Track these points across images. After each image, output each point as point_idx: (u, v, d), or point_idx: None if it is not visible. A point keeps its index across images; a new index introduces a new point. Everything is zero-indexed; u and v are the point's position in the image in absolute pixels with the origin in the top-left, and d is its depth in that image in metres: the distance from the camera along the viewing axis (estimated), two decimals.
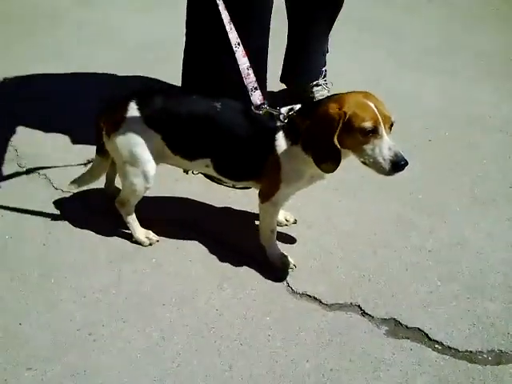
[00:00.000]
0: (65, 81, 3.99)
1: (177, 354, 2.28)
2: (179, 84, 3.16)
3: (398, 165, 2.00)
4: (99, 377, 2.18)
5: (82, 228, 2.78)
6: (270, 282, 2.57)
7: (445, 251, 2.74)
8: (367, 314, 2.44)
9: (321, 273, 2.60)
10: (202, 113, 2.30)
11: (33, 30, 4.72)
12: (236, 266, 2.63)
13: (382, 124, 2.01)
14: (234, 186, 2.87)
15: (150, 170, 2.43)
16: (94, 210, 2.87)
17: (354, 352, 2.30)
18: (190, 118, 2.30)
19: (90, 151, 2.91)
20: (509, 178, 3.20)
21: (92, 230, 2.77)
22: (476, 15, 5.23)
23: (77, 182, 2.70)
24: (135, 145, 2.38)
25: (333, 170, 2.13)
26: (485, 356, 2.31)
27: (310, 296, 2.52)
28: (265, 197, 2.40)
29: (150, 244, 2.67)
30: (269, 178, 2.33)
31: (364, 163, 2.10)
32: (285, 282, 2.57)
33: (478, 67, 4.35)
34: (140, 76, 4.06)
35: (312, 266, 2.64)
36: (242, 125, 2.29)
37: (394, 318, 2.43)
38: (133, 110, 2.35)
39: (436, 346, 2.34)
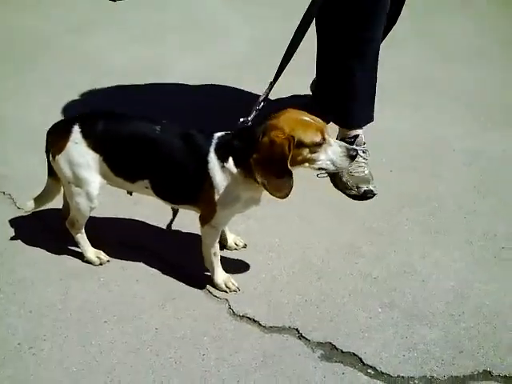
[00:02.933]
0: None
1: (112, 369, 2.33)
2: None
3: (351, 154, 2.21)
4: None
5: (36, 246, 2.86)
6: (212, 303, 2.62)
7: (390, 279, 2.77)
8: (304, 337, 2.47)
9: (263, 296, 2.64)
10: (141, 135, 2.35)
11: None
12: (180, 287, 2.69)
13: (326, 131, 2.16)
14: (175, 209, 2.89)
15: (93, 190, 2.46)
16: (51, 229, 2.95)
17: (284, 374, 2.34)
18: (129, 140, 2.36)
19: None
20: (465, 209, 3.22)
21: (46, 249, 2.85)
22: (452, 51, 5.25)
23: (34, 202, 2.78)
24: (78, 166, 2.45)
25: (286, 196, 2.19)
26: (416, 381, 2.34)
27: (249, 318, 2.56)
28: (204, 220, 2.43)
29: (101, 263, 2.74)
30: (205, 201, 2.35)
31: (321, 169, 2.25)
32: (226, 304, 2.61)
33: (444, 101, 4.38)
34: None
35: (256, 288, 2.69)
36: (178, 148, 2.32)
37: (330, 343, 2.46)
38: (76, 133, 2.43)
39: (369, 370, 2.36)
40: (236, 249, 2.82)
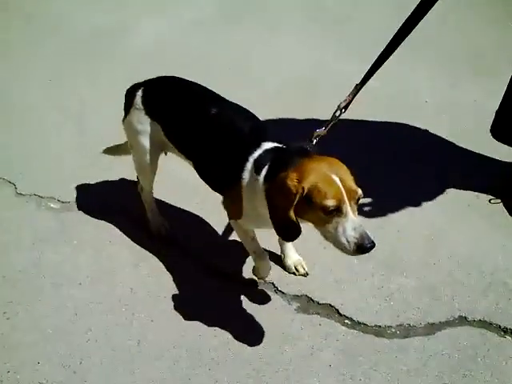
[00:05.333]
0: None
1: (88, 330, 2.33)
2: None
3: (362, 247, 1.77)
4: (10, 353, 2.24)
5: (7, 211, 2.83)
6: (187, 262, 2.61)
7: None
8: (280, 291, 2.48)
9: (240, 252, 2.61)
10: (194, 113, 2.22)
11: None
12: (156, 248, 2.67)
13: (346, 202, 1.77)
14: None
15: (147, 159, 2.46)
16: (22, 194, 2.94)
17: (262, 327, 2.34)
18: (182, 115, 2.25)
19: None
20: (442, 158, 3.20)
21: (17, 214, 2.83)
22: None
23: (107, 149, 2.80)
24: (137, 132, 2.39)
25: (291, 240, 2.00)
26: (393, 330, 2.35)
27: (226, 274, 2.57)
28: (228, 214, 2.27)
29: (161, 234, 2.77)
30: (229, 199, 2.21)
31: (326, 240, 1.86)
32: (203, 262, 2.63)
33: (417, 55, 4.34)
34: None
35: (231, 245, 2.69)
36: (223, 140, 2.14)
37: (307, 295, 2.47)
38: (138, 98, 2.34)
39: (346, 321, 2.38)
40: (294, 273, 2.55)
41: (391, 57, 2.16)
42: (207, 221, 2.78)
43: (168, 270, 2.57)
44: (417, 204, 2.93)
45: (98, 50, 4.21)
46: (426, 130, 3.36)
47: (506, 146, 2.87)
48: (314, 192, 1.78)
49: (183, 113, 2.25)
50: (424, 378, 2.17)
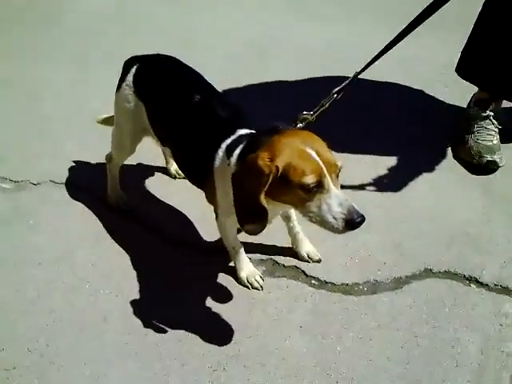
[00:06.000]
0: None
1: (51, 311, 2.27)
2: None
3: (352, 222, 1.64)
4: None
5: None
6: (148, 235, 2.58)
7: None
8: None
9: (202, 222, 2.60)
10: (178, 98, 2.13)
11: None
12: (117, 223, 2.62)
13: (327, 176, 1.63)
14: None
15: (127, 139, 2.42)
16: None
17: (230, 293, 2.33)
18: (167, 99, 2.16)
19: None
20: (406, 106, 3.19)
21: None
22: None
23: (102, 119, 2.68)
24: (122, 110, 2.31)
25: (256, 233, 1.77)
26: (360, 287, 2.35)
27: (187, 244, 2.54)
28: (214, 211, 2.14)
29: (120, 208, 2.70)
30: (208, 193, 2.10)
31: (310, 221, 1.72)
32: (160, 235, 2.58)
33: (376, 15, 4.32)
34: None
35: (193, 216, 2.63)
36: (199, 128, 2.05)
37: (272, 258, 2.45)
38: (130, 75, 2.26)
39: (313, 281, 2.37)
40: (308, 261, 2.43)
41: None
42: (170, 194, 2.75)
43: (129, 243, 2.52)
44: (379, 159, 2.93)
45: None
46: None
47: None
48: (290, 170, 1.63)
49: (168, 98, 2.16)
50: (395, 333, 2.18)
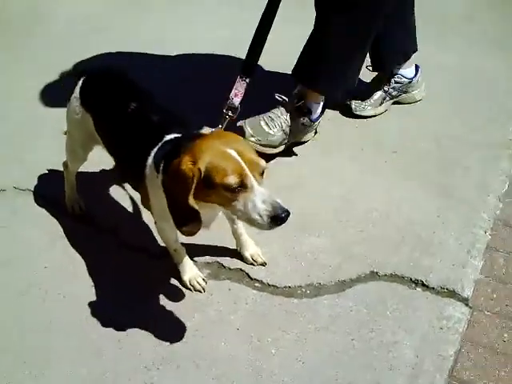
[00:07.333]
0: None
1: None
2: None
3: (277, 218, 1.67)
4: None
5: None
6: (101, 239, 2.63)
7: (281, 194, 2.70)
8: (191, 259, 2.44)
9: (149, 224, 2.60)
10: (116, 108, 2.20)
11: None
12: (72, 227, 2.68)
13: (249, 175, 1.65)
14: None
15: (78, 150, 2.51)
16: None
17: (176, 296, 2.36)
18: (107, 110, 2.24)
19: None
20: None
21: None
22: None
23: None
24: (72, 121, 2.41)
25: (192, 234, 1.80)
26: (303, 290, 2.36)
27: (139, 248, 2.56)
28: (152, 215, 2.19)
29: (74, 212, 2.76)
30: (143, 200, 2.14)
31: (240, 220, 1.79)
32: (114, 237, 2.62)
33: None
34: None
35: (142, 217, 2.64)
36: (132, 137, 2.12)
37: (218, 261, 2.47)
38: (78, 87, 2.33)
39: (256, 284, 2.38)
40: (253, 264, 2.45)
41: None
42: (127, 199, 2.78)
43: (83, 247, 2.56)
44: (332, 163, 2.95)
45: None
46: None
47: None
48: (213, 171, 1.66)
49: (108, 108, 2.24)
50: (332, 336, 2.18)
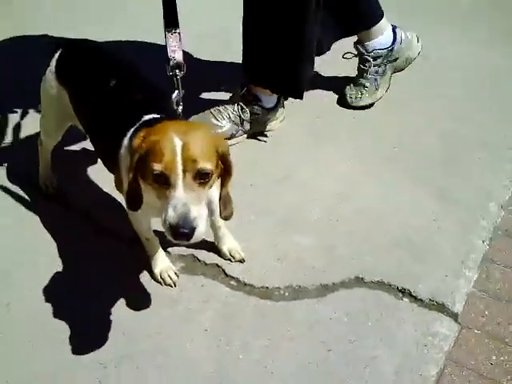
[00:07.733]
0: None
1: None
2: None
3: (175, 231, 1.48)
4: None
5: None
6: (71, 220, 2.50)
7: (268, 186, 2.58)
8: (166, 251, 2.31)
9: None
10: (94, 84, 2.07)
11: None
12: (42, 206, 2.56)
13: (177, 172, 1.49)
14: None
15: (51, 127, 2.41)
16: None
17: (145, 289, 2.23)
18: (85, 85, 2.10)
19: None
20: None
21: None
22: None
23: None
24: (46, 96, 2.29)
25: (132, 209, 1.75)
26: (281, 292, 2.21)
27: (113, 234, 2.43)
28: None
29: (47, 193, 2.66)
30: (117, 183, 1.94)
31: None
32: (92, 226, 2.49)
33: None
34: None
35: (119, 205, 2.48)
36: (110, 116, 1.99)
37: (193, 255, 2.32)
38: (54, 60, 2.20)
39: (231, 282, 2.23)
40: (230, 260, 2.30)
41: None
42: (104, 181, 2.59)
43: (51, 227, 2.43)
44: (326, 157, 2.79)
45: None
46: None
47: None
48: (150, 152, 1.52)
49: (87, 84, 2.10)
50: (306, 345, 2.02)
